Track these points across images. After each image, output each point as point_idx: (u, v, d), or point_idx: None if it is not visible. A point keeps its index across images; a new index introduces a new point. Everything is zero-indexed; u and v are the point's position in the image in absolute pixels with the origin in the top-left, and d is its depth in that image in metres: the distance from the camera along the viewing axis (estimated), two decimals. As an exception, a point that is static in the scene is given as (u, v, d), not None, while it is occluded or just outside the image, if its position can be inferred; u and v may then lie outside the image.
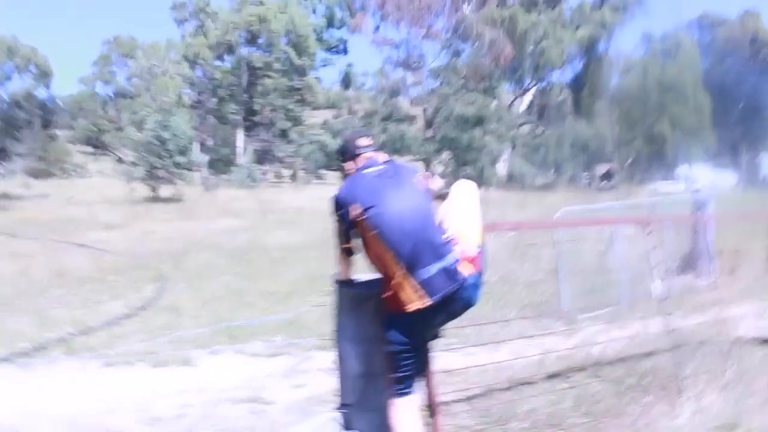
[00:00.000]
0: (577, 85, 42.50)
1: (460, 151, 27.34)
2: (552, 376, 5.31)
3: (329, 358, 6.07)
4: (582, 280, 8.19)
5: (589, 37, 37.88)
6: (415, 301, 2.79)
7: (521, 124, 37.13)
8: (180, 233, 16.57)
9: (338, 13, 47.97)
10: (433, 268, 2.80)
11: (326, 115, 50.06)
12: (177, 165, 27.70)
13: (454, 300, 2.86)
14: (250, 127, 45.07)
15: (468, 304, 2.94)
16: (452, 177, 27.86)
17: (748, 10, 56.30)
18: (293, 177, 41.14)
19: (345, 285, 3.22)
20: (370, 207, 2.83)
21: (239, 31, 42.82)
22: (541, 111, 41.61)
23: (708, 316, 6.85)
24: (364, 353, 3.16)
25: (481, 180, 29.03)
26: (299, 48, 40.38)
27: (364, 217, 2.84)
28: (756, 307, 7.03)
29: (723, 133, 55.31)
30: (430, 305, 2.80)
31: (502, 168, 34.98)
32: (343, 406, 3.30)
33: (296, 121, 44.47)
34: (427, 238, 2.85)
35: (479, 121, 27.52)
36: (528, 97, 41.95)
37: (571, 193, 34.44)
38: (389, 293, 2.86)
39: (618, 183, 42.05)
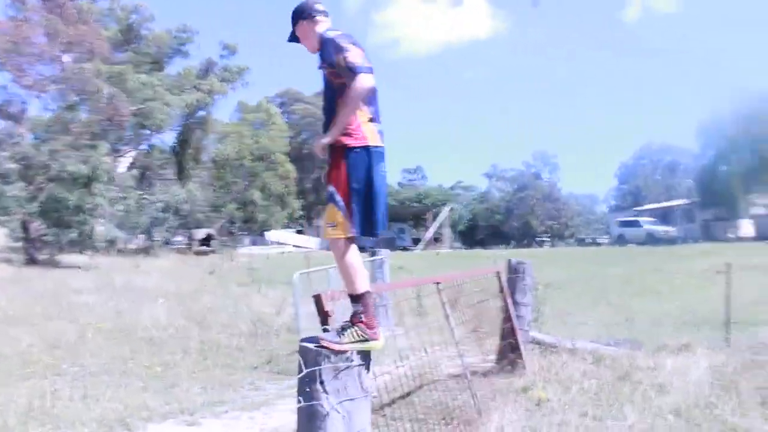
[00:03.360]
0: (177, 149, 42.93)
1: (68, 212, 25.11)
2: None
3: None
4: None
5: (195, 103, 38.69)
6: (376, 139, 3.24)
7: (126, 187, 35.87)
8: None
9: None
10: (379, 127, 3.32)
11: None
12: None
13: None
14: None
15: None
16: (55, 243, 25.44)
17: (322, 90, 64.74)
18: None
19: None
20: None
21: None
22: (141, 173, 40.83)
23: (414, 361, 7.90)
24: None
25: (87, 244, 27.18)
26: None
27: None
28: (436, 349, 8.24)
29: (303, 200, 61.46)
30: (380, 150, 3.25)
31: (102, 231, 33.04)
32: None
33: None
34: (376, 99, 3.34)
35: (89, 181, 25.78)
36: (128, 159, 40.84)
37: (178, 258, 34.41)
38: (354, 130, 3.18)
39: (217, 247, 43.32)
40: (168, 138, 42.44)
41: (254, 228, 57.95)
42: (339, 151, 3.19)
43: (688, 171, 73.85)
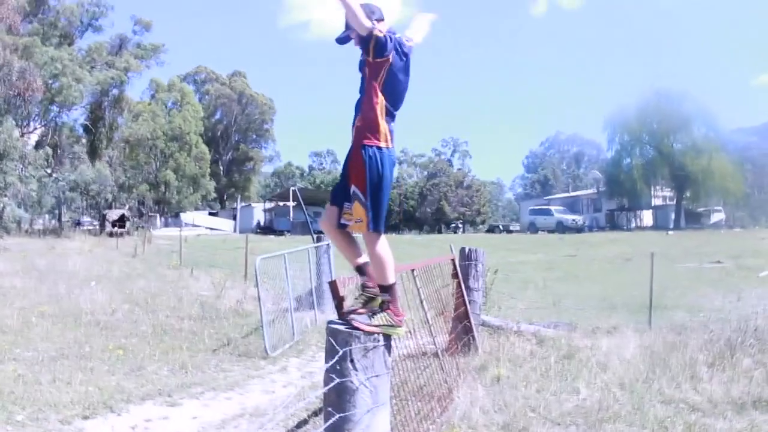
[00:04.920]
0: (89, 127, 41.45)
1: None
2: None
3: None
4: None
5: (108, 81, 37.34)
6: (389, 140, 3.48)
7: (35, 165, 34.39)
8: None
9: None
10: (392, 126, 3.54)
11: None
12: None
13: None
14: None
15: None
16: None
17: (237, 70, 63.89)
18: None
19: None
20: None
21: None
22: (51, 152, 39.23)
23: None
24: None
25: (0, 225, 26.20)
26: None
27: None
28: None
29: (217, 183, 60.63)
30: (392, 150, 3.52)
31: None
32: None
33: None
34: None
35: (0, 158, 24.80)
36: (35, 136, 39.16)
37: (91, 239, 33.36)
38: (374, 128, 3.43)
39: (131, 228, 42.27)
40: (78, 115, 40.82)
41: (167, 209, 56.76)
42: (357, 150, 3.48)
43: (593, 162, 77.48)
